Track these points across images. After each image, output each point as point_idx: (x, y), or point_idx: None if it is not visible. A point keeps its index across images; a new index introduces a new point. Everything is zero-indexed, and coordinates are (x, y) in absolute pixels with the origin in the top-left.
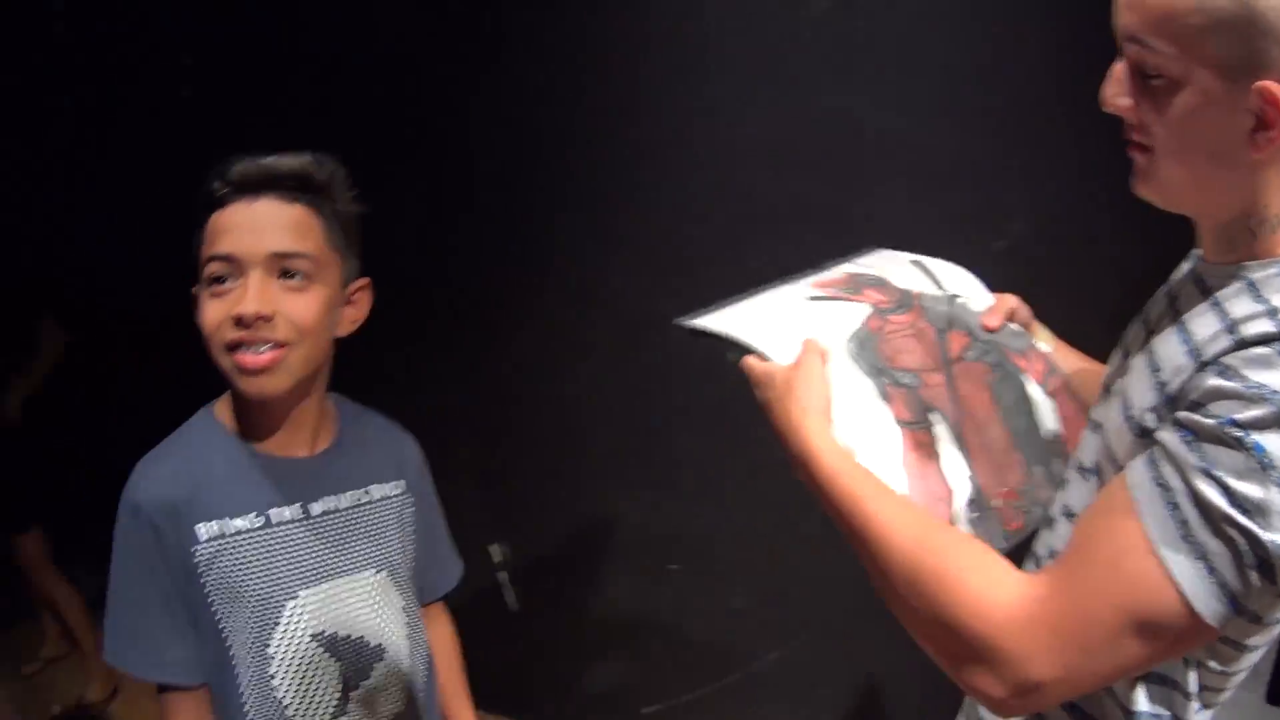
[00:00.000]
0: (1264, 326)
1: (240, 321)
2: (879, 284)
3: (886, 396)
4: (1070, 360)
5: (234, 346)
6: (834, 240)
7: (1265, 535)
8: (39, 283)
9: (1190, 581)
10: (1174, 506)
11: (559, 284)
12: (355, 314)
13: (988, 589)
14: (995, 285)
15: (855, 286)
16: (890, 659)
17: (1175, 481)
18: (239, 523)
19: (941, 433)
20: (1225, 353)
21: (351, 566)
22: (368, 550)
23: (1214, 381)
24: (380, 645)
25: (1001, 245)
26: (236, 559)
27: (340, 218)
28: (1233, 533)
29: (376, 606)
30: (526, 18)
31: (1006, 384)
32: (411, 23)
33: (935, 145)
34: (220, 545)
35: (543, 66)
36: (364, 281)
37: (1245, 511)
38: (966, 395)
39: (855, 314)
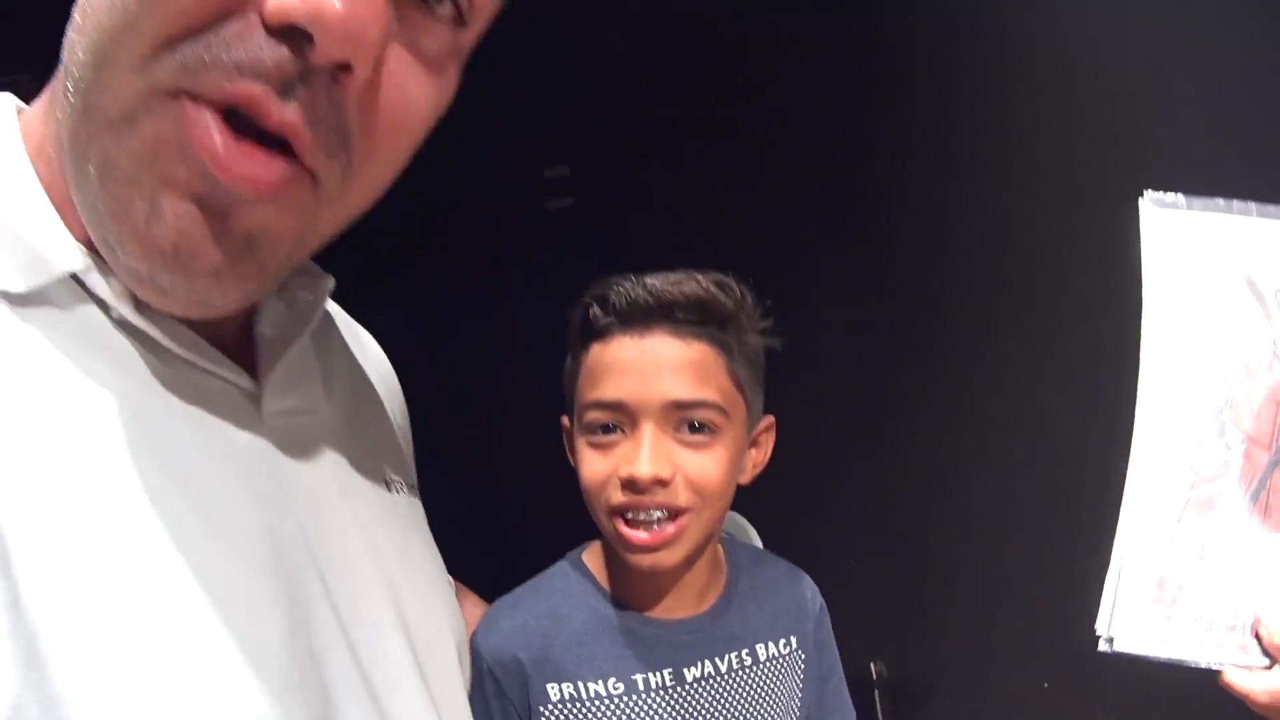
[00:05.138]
0: None
1: (632, 484)
2: None
3: (1198, 440)
4: None
5: (621, 510)
6: None
7: None
8: None
9: None
10: None
11: (974, 389)
12: (759, 456)
13: None
14: None
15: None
16: None
17: None
18: (595, 689)
19: (1225, 506)
20: None
21: None
22: (748, 718)
23: None
24: None
25: None
26: None
27: (748, 352)
28: None
29: None
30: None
31: None
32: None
33: None
34: (572, 710)
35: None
36: (769, 421)
37: None
38: (1277, 489)
39: (1246, 334)
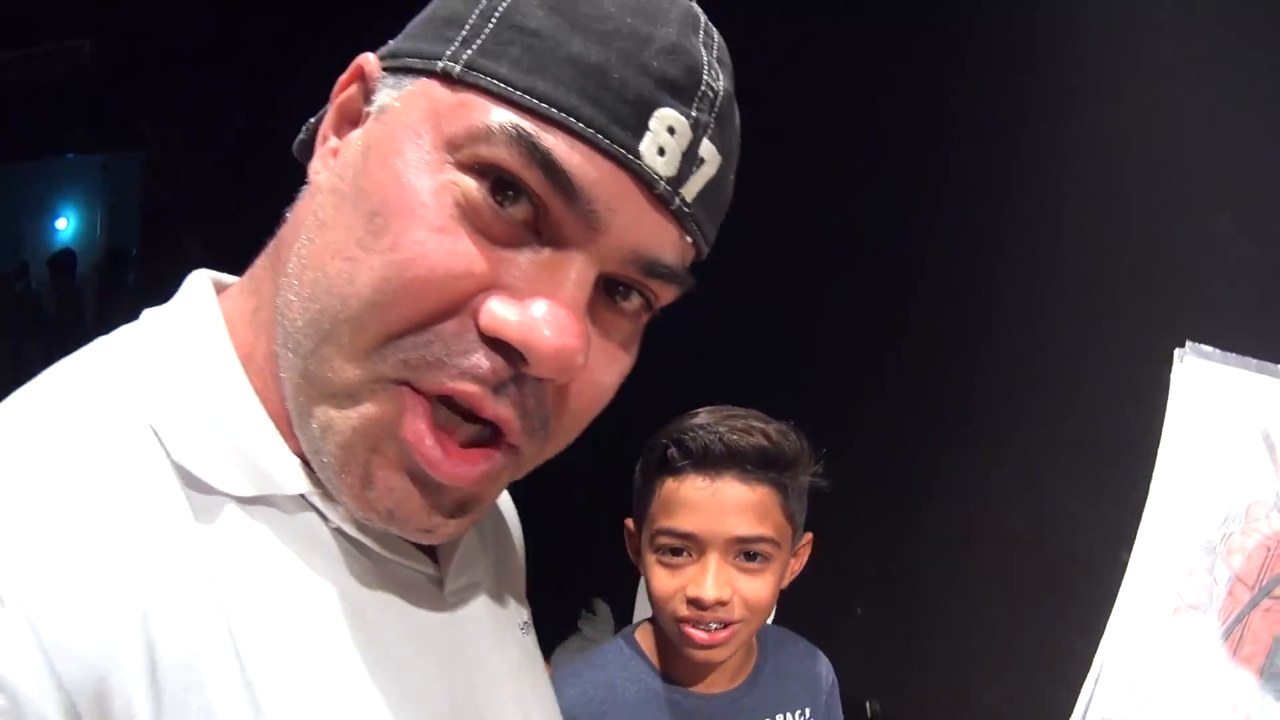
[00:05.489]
0: None
1: (698, 604)
2: None
3: (1189, 569)
4: None
5: (686, 621)
6: None
7: None
8: None
9: None
10: None
11: (991, 476)
12: (797, 566)
13: None
14: None
15: None
16: None
17: None
18: None
19: (1200, 632)
20: None
21: None
22: None
23: None
24: None
25: None
26: None
27: (800, 489)
28: None
29: None
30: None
31: None
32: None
33: None
34: None
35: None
36: (808, 537)
37: None
38: (1254, 628)
39: (1251, 479)
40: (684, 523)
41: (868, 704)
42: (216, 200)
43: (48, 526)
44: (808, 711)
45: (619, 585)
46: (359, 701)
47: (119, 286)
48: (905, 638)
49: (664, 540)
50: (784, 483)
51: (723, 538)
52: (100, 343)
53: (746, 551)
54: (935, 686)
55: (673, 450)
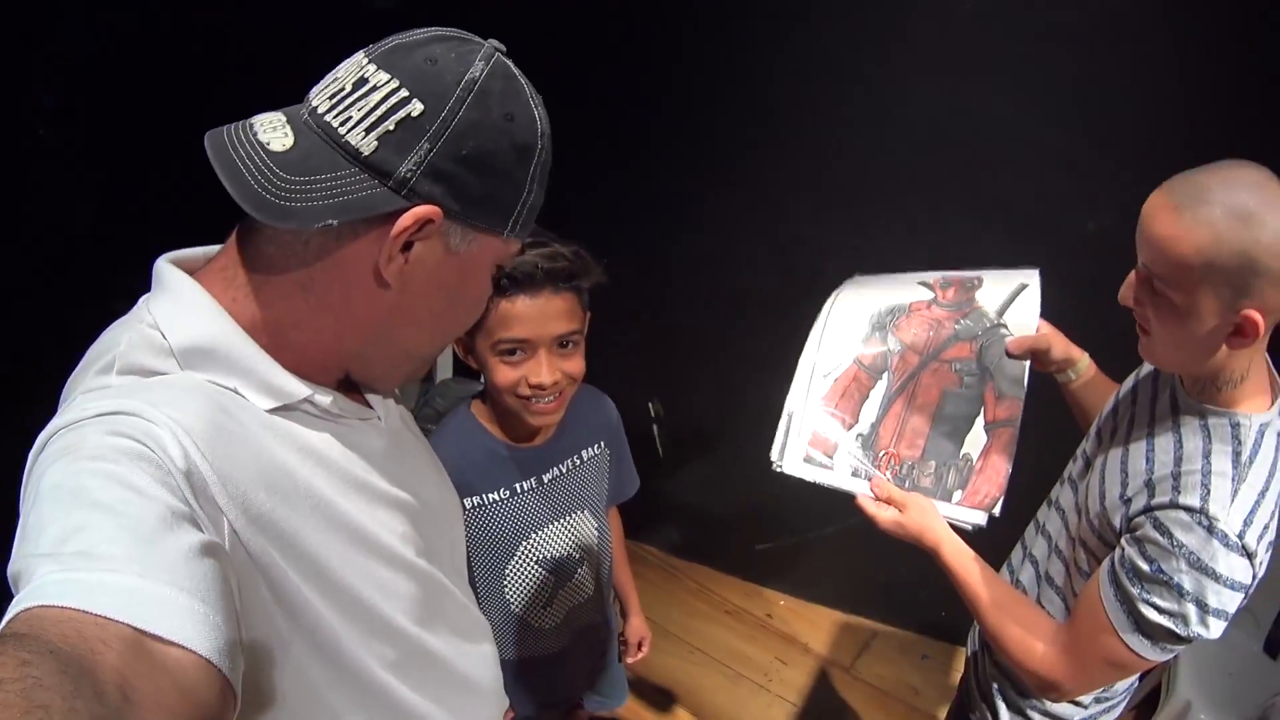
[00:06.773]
0: (1193, 499)
1: (539, 387)
2: (966, 287)
3: (865, 339)
4: (1097, 390)
5: (528, 398)
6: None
7: (1182, 631)
8: None
9: (1142, 649)
10: (1129, 613)
11: (742, 215)
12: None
13: (1033, 638)
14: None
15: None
16: None
17: (1128, 599)
18: (493, 496)
19: (880, 389)
20: (1164, 507)
21: (566, 511)
22: (579, 497)
23: (1153, 534)
24: (581, 557)
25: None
26: (489, 519)
27: (588, 289)
28: (1165, 627)
29: (581, 533)
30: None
31: (960, 401)
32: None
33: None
34: (479, 511)
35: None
36: (587, 315)
37: (1170, 617)
38: (924, 384)
39: (911, 294)
40: (519, 331)
41: (650, 404)
42: None
43: (188, 406)
44: (602, 443)
45: None
46: (367, 492)
47: None
48: (673, 347)
49: (504, 346)
50: (582, 288)
51: (548, 338)
52: (134, 330)
53: (563, 342)
54: (702, 384)
55: (504, 280)
